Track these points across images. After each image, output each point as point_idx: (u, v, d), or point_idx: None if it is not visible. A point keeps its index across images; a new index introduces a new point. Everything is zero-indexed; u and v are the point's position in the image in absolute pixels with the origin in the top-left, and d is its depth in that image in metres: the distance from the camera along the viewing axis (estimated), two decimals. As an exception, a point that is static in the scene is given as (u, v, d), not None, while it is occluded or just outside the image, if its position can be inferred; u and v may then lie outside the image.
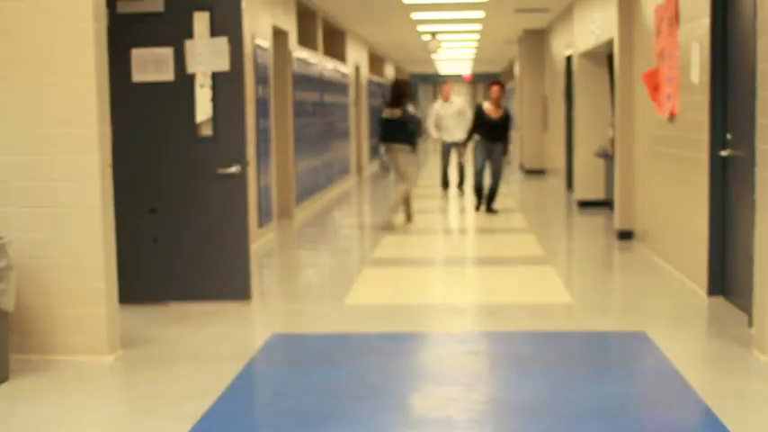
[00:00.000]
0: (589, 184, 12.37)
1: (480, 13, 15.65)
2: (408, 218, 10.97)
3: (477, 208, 12.18)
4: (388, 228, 10.58)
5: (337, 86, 15.54)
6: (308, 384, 4.82)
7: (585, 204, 12.35)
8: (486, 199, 12.01)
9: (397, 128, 10.68)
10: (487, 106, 11.78)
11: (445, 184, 14.87)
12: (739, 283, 6.12)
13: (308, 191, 12.51)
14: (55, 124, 5.18)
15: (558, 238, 10.38)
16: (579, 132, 12.57)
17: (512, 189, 15.49)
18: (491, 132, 11.74)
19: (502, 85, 11.90)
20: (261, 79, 9.67)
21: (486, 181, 12.17)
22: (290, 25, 11.57)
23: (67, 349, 5.27)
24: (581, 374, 4.98)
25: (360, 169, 19.20)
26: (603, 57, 12.02)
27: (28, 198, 5.22)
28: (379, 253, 9.04)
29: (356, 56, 19.05)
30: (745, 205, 5.81)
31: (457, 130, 14.19)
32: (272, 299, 7.19)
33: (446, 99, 14.55)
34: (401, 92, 10.85)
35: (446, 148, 14.58)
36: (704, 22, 6.57)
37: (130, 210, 6.44)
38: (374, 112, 22.59)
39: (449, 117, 14.42)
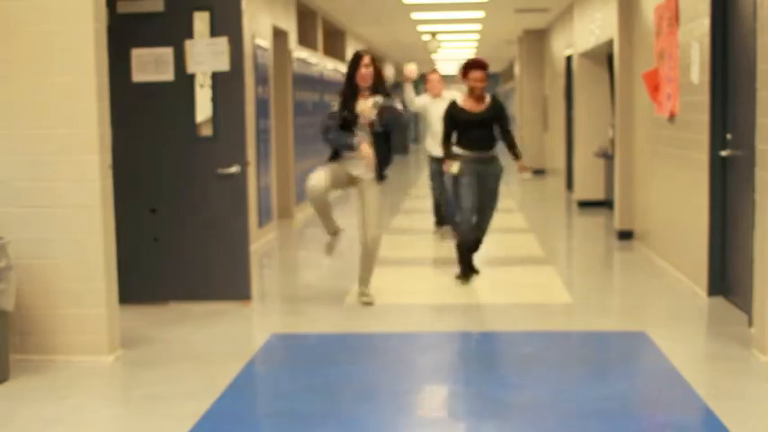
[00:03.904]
0: (589, 184, 12.37)
1: (480, 13, 15.65)
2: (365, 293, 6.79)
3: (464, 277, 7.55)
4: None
5: (337, 86, 15.49)
6: (307, 384, 4.82)
7: (585, 204, 12.35)
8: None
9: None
10: (463, 100, 7.37)
11: (440, 220, 10.11)
12: (739, 283, 6.12)
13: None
14: (55, 124, 5.18)
15: (558, 238, 10.37)
16: (579, 132, 12.57)
17: (512, 189, 15.48)
18: (476, 138, 7.29)
19: (484, 68, 7.32)
20: (261, 79, 9.67)
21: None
22: (290, 25, 11.57)
23: (67, 349, 5.27)
24: (581, 374, 4.98)
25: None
26: (603, 57, 12.02)
27: (28, 198, 5.22)
28: (378, 253, 9.03)
29: (356, 56, 19.02)
30: (745, 205, 5.81)
31: None
32: (271, 299, 7.19)
33: (436, 94, 9.70)
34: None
35: (437, 167, 9.56)
36: (704, 22, 6.57)
37: (130, 210, 6.44)
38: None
39: (438, 120, 9.04)
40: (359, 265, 6.74)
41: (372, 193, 6.51)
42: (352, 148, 6.34)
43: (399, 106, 6.53)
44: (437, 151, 9.44)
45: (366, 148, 6.32)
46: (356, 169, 6.48)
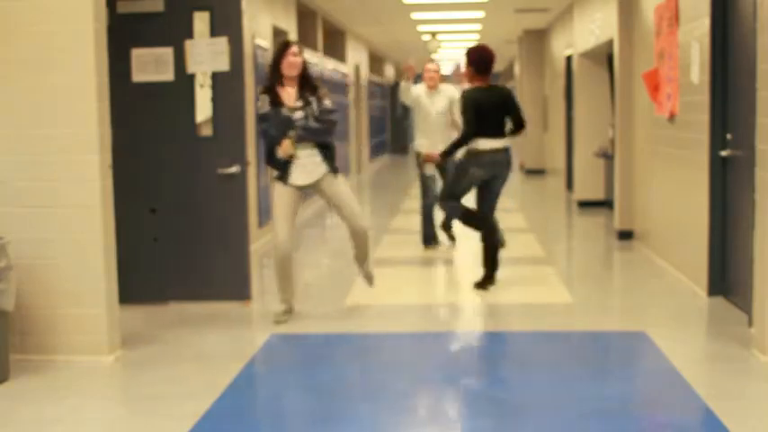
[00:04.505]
0: (589, 184, 12.37)
1: (480, 13, 15.65)
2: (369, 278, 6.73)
3: (483, 284, 7.17)
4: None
5: (337, 86, 15.54)
6: (307, 384, 4.82)
7: (585, 204, 12.35)
8: (487, 268, 7.15)
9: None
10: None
11: (430, 237, 9.11)
12: (739, 283, 6.12)
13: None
14: (55, 124, 5.18)
15: (558, 238, 10.37)
16: (579, 132, 12.57)
17: (512, 189, 15.48)
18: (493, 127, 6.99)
19: (467, 56, 7.06)
20: (261, 79, 9.67)
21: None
22: (290, 25, 11.57)
23: (67, 349, 5.27)
24: (581, 374, 4.98)
25: (360, 170, 19.19)
26: (603, 57, 12.02)
27: (28, 198, 5.22)
28: (378, 253, 9.03)
29: (356, 56, 19.05)
30: (745, 205, 5.81)
31: (445, 137, 8.63)
32: (272, 299, 7.17)
33: (432, 87, 8.85)
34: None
35: (430, 174, 8.92)
36: (704, 22, 6.57)
37: (130, 210, 6.44)
38: (374, 112, 22.58)
39: (433, 115, 8.81)
40: (354, 251, 6.45)
41: (338, 184, 6.13)
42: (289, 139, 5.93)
43: (328, 103, 6.09)
44: (431, 148, 8.58)
45: (285, 146, 5.93)
46: (305, 175, 6.06)
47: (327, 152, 6.14)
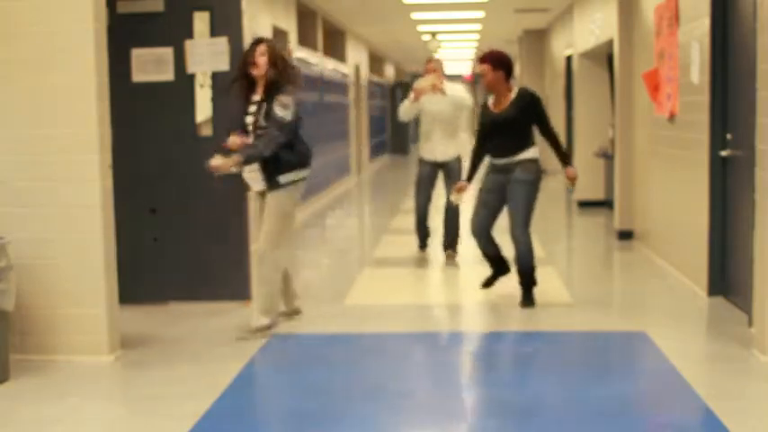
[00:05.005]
0: (589, 184, 12.37)
1: (480, 13, 15.65)
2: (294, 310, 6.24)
3: (488, 284, 6.99)
4: None
5: (337, 86, 15.54)
6: (307, 385, 4.82)
7: (585, 204, 12.35)
8: (522, 286, 6.58)
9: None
10: (492, 99, 6.58)
11: (424, 239, 8.70)
12: (739, 283, 6.12)
13: (307, 191, 12.45)
14: (55, 124, 5.18)
15: (558, 238, 10.37)
16: (579, 132, 12.57)
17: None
18: (497, 144, 6.55)
19: (484, 60, 6.50)
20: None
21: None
22: (290, 25, 11.57)
23: (67, 349, 5.27)
24: (581, 374, 4.98)
25: (360, 170, 19.19)
26: (603, 57, 12.02)
27: (28, 198, 5.22)
28: (378, 253, 9.04)
29: (356, 56, 19.05)
30: (745, 205, 5.80)
31: (449, 141, 8.26)
32: (272, 299, 7.18)
33: (437, 89, 8.09)
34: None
35: (428, 174, 8.34)
36: (704, 22, 6.57)
37: (130, 210, 6.44)
38: (374, 112, 22.58)
39: (436, 118, 8.18)
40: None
41: (270, 206, 5.70)
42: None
43: (278, 112, 5.58)
44: (429, 154, 8.24)
45: (232, 141, 5.67)
46: (253, 182, 5.80)
47: (268, 165, 5.65)
